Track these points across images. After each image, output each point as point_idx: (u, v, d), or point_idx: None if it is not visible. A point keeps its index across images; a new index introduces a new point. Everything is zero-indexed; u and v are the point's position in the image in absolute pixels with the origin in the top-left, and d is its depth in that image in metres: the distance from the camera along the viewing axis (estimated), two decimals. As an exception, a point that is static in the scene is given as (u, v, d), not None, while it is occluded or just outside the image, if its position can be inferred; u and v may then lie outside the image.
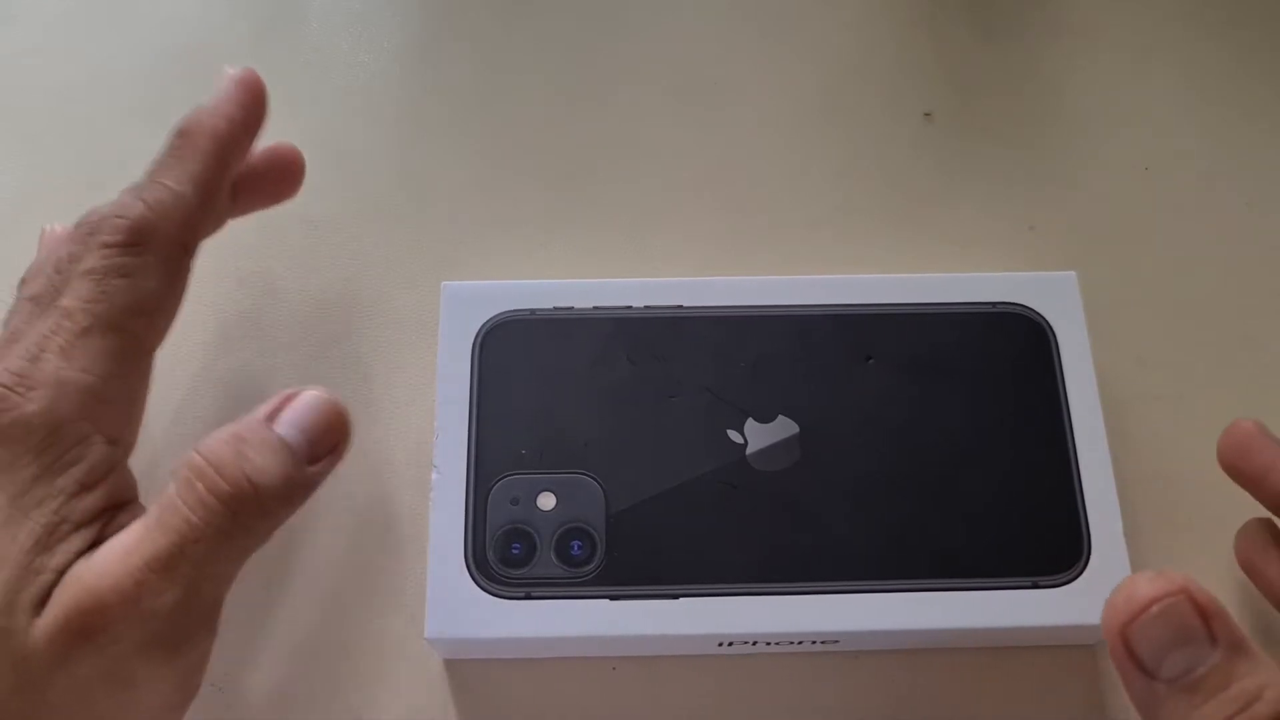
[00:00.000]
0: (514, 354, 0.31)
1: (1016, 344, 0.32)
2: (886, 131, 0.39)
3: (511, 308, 0.32)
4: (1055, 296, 0.32)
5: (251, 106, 0.30)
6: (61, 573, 0.24)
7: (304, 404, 0.25)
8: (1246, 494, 0.31)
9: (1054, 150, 0.38)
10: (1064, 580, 0.29)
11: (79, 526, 0.24)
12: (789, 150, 0.38)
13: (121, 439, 0.26)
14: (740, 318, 0.32)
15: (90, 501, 0.25)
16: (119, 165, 0.37)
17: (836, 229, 0.37)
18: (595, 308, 0.32)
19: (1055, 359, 0.31)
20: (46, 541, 0.24)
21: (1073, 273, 0.32)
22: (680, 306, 0.32)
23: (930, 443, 0.30)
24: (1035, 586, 0.29)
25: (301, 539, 0.32)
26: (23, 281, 0.28)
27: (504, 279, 0.33)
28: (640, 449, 0.30)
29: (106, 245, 0.26)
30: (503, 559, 0.29)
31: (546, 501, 0.30)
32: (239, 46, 0.40)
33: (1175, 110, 0.39)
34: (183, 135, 0.29)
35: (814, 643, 0.30)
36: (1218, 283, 0.36)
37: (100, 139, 0.39)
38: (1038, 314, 0.32)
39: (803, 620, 0.28)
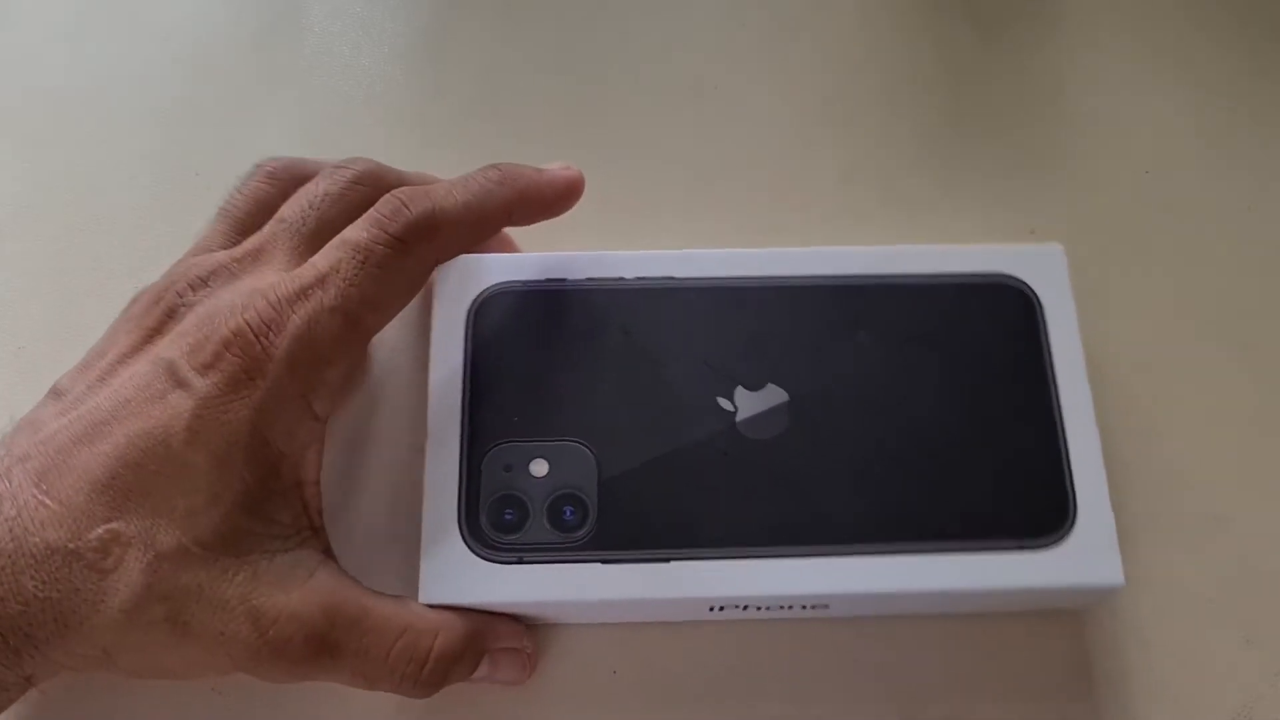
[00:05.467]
0: (507, 325, 0.32)
1: (1004, 313, 0.32)
2: (886, 134, 0.39)
3: (505, 279, 0.32)
4: (1042, 268, 0.32)
5: (565, 199, 0.32)
6: None
7: None
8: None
9: (1054, 153, 0.38)
10: (1050, 543, 0.29)
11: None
12: (787, 152, 0.38)
13: (325, 417, 0.28)
14: (731, 288, 0.32)
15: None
16: (120, 170, 0.38)
17: (835, 232, 0.37)
18: (588, 279, 0.32)
19: (1042, 327, 0.32)
20: None
21: (1059, 245, 0.33)
22: (671, 278, 0.32)
23: (918, 409, 0.31)
24: (1022, 549, 0.29)
25: (297, 509, 0.32)
26: (269, 175, 0.30)
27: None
28: (631, 416, 0.30)
29: (384, 230, 0.28)
30: (496, 525, 0.29)
31: (539, 468, 0.30)
32: (240, 51, 0.40)
33: (1176, 112, 0.39)
34: (501, 172, 0.30)
35: (804, 608, 0.30)
36: (1218, 286, 0.36)
37: (102, 143, 0.39)
38: (1025, 284, 0.32)
39: (793, 583, 0.29)
